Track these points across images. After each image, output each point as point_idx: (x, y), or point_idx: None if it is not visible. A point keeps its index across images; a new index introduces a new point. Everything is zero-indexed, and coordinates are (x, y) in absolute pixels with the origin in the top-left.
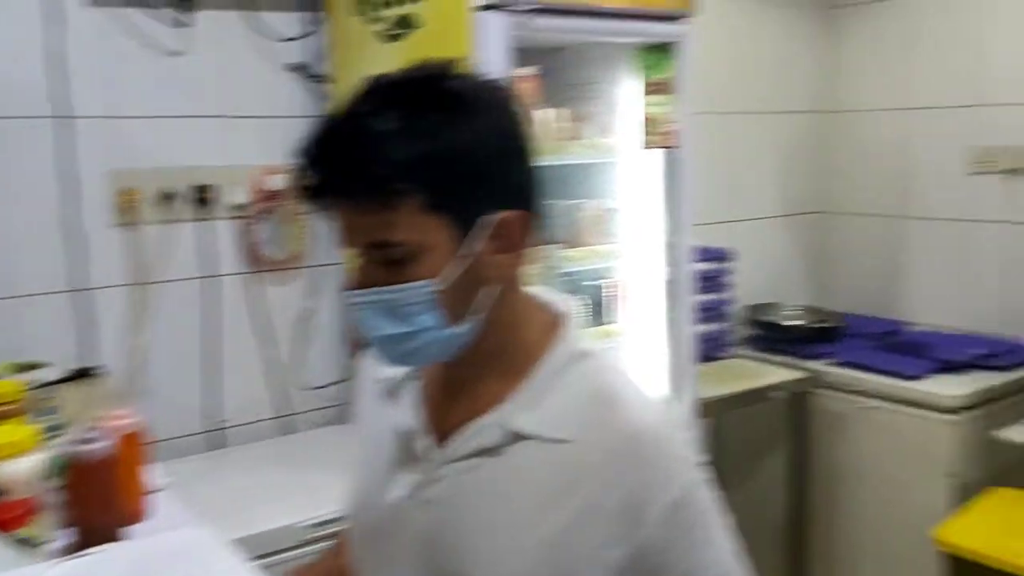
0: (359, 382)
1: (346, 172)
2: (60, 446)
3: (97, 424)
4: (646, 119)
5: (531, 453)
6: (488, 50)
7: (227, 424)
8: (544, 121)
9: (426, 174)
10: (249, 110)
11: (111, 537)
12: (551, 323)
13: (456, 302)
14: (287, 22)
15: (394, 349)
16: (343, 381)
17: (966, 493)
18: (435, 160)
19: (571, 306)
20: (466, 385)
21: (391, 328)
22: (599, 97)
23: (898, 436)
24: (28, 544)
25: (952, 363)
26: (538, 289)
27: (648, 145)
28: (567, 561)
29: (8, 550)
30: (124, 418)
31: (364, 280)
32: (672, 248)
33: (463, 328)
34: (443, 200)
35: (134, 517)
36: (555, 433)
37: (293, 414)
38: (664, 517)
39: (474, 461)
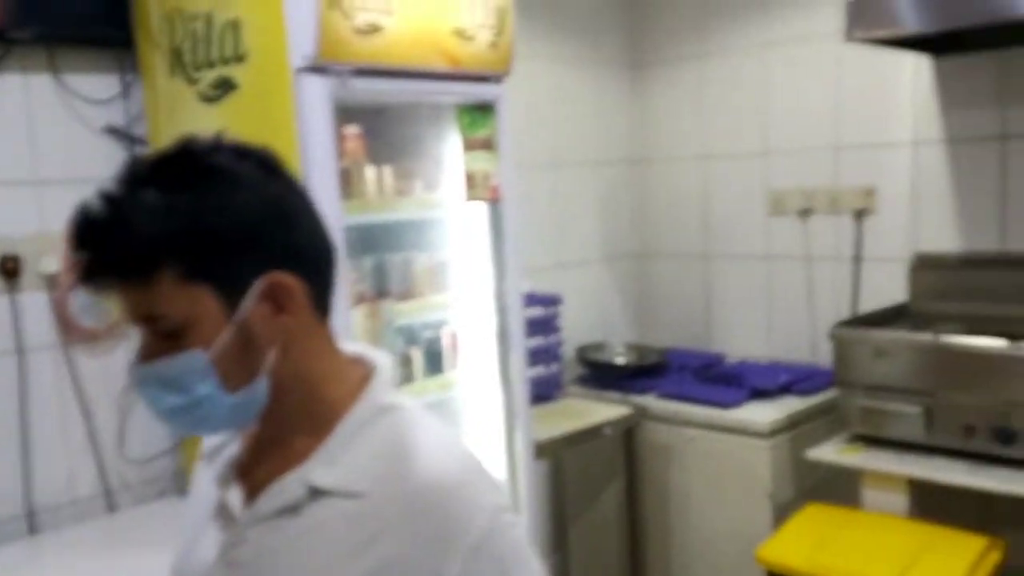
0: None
1: (104, 253)
2: None
3: None
4: (468, 175)
5: (330, 509)
6: (309, 111)
7: (47, 506)
8: (372, 179)
9: (180, 247)
10: (61, 174)
11: None
12: (359, 378)
13: (235, 368)
14: (101, 84)
15: (180, 420)
16: (169, 452)
17: (784, 511)
18: (188, 233)
19: (382, 360)
20: (273, 444)
21: (171, 400)
22: (425, 154)
23: (719, 461)
24: None
25: (764, 390)
26: (352, 344)
27: (470, 199)
28: None
29: None
30: None
31: (143, 354)
32: (501, 297)
33: (250, 393)
34: (201, 271)
35: None
36: (352, 487)
37: (118, 490)
38: (463, 567)
39: (277, 520)
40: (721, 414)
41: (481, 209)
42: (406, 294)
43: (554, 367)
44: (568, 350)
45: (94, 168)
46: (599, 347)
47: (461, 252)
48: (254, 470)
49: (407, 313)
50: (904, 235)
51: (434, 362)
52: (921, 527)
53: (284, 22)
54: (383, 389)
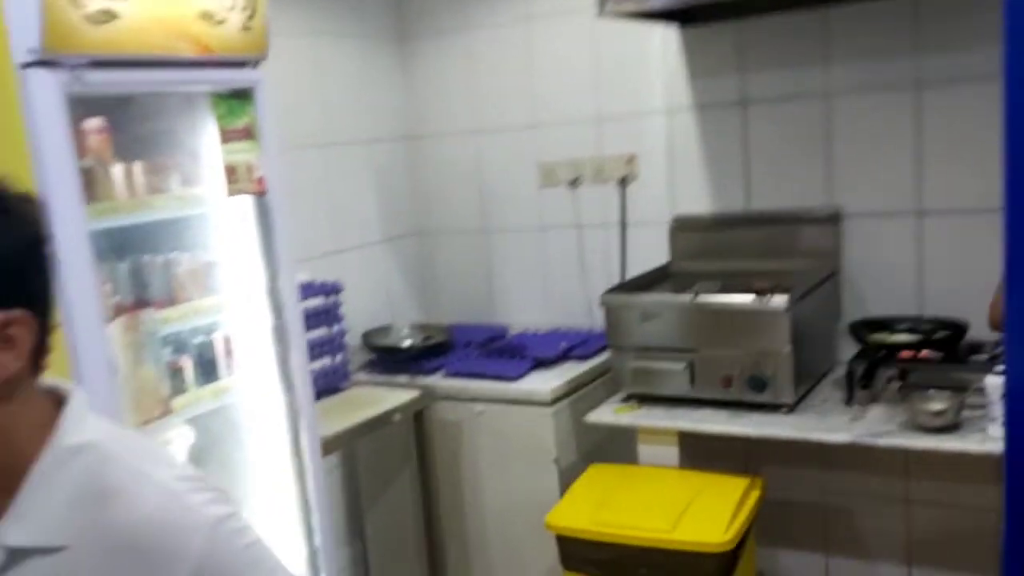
0: None
1: None
2: None
3: None
4: (227, 168)
5: (35, 568)
6: (38, 109)
7: None
8: (120, 177)
9: None
10: None
11: None
12: (49, 418)
13: None
14: None
15: None
16: None
17: (569, 475)
18: None
19: (75, 392)
20: None
21: None
22: (179, 147)
23: (507, 433)
24: None
25: (545, 359)
26: (43, 380)
27: (232, 193)
28: None
29: None
30: None
31: None
32: (275, 294)
33: None
34: None
35: None
36: (49, 543)
37: None
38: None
39: None
40: (506, 387)
41: (247, 203)
42: (170, 300)
43: (339, 357)
44: (353, 337)
45: None
46: (385, 331)
47: (228, 250)
48: None
49: (173, 320)
50: (664, 199)
51: (207, 370)
52: (692, 475)
53: (2, 13)
54: (74, 427)
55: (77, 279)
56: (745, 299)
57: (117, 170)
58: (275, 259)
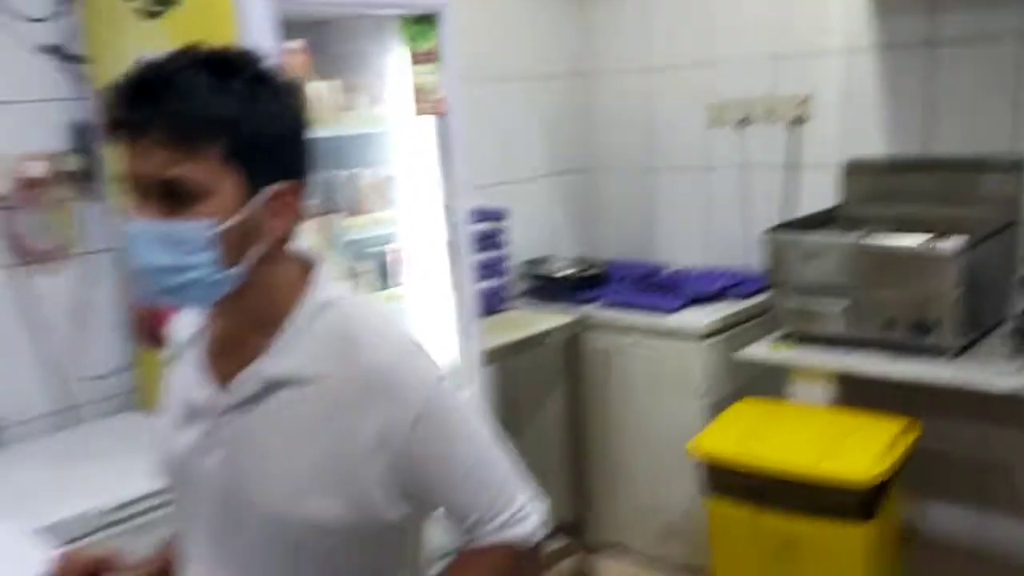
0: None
1: (163, 109)
2: None
3: None
4: (415, 88)
5: (289, 396)
6: (251, 25)
7: (11, 421)
8: (316, 94)
9: (232, 131)
10: (2, 95)
11: None
12: (303, 276)
13: (231, 249)
14: (36, 1)
15: (163, 281)
16: (126, 369)
17: (717, 410)
18: (243, 122)
19: (323, 259)
20: (234, 341)
21: (164, 259)
22: (369, 68)
23: (657, 365)
24: None
25: (701, 296)
26: (296, 246)
27: (419, 113)
28: (334, 481)
29: None
30: None
31: (145, 213)
32: (449, 211)
33: (227, 275)
34: (240, 158)
35: None
36: (304, 376)
37: (75, 407)
38: (407, 435)
39: (242, 410)
40: (659, 319)
41: (427, 123)
42: (353, 210)
43: (500, 281)
44: (514, 266)
45: (34, 89)
46: (544, 261)
47: (407, 167)
48: (218, 366)
49: (355, 228)
50: (836, 142)
51: (383, 276)
52: (844, 415)
53: None
54: (324, 286)
55: None
56: (915, 241)
57: (315, 87)
58: (451, 177)
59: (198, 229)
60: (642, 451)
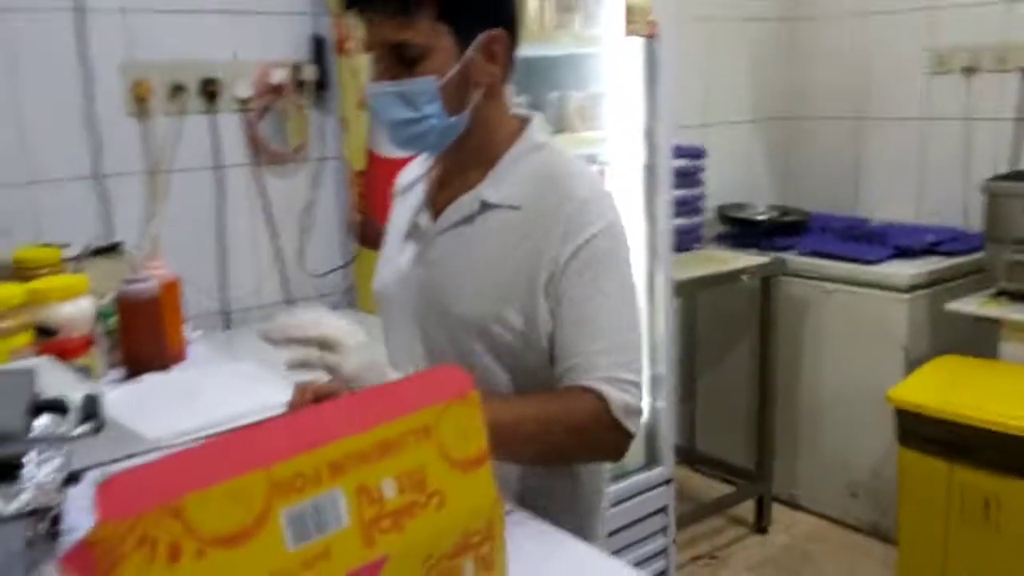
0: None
1: None
2: (111, 290)
3: (140, 271)
4: (627, 8)
5: (495, 218)
6: None
7: (239, 307)
8: (534, 9)
9: None
10: (251, 6)
11: (160, 368)
12: (519, 126)
13: (452, 98)
14: None
15: (404, 132)
16: (343, 268)
17: (918, 365)
18: None
19: (535, 115)
20: (455, 176)
21: (403, 114)
22: None
23: (856, 315)
24: (86, 372)
25: (907, 249)
26: (511, 101)
27: (629, 34)
28: (516, 293)
29: (69, 374)
30: (160, 268)
31: (384, 76)
32: (651, 135)
33: (456, 120)
34: (451, 13)
35: (177, 356)
36: (512, 202)
37: (296, 299)
38: (567, 261)
39: (457, 229)
40: (861, 269)
41: (636, 46)
42: (561, 128)
43: (695, 219)
44: (710, 209)
45: (275, 1)
46: (741, 206)
47: (614, 89)
48: (438, 198)
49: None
50: None
51: None
52: None
53: None
54: (536, 132)
55: None
56: None
57: (532, 3)
58: (656, 102)
59: (425, 84)
60: (833, 404)
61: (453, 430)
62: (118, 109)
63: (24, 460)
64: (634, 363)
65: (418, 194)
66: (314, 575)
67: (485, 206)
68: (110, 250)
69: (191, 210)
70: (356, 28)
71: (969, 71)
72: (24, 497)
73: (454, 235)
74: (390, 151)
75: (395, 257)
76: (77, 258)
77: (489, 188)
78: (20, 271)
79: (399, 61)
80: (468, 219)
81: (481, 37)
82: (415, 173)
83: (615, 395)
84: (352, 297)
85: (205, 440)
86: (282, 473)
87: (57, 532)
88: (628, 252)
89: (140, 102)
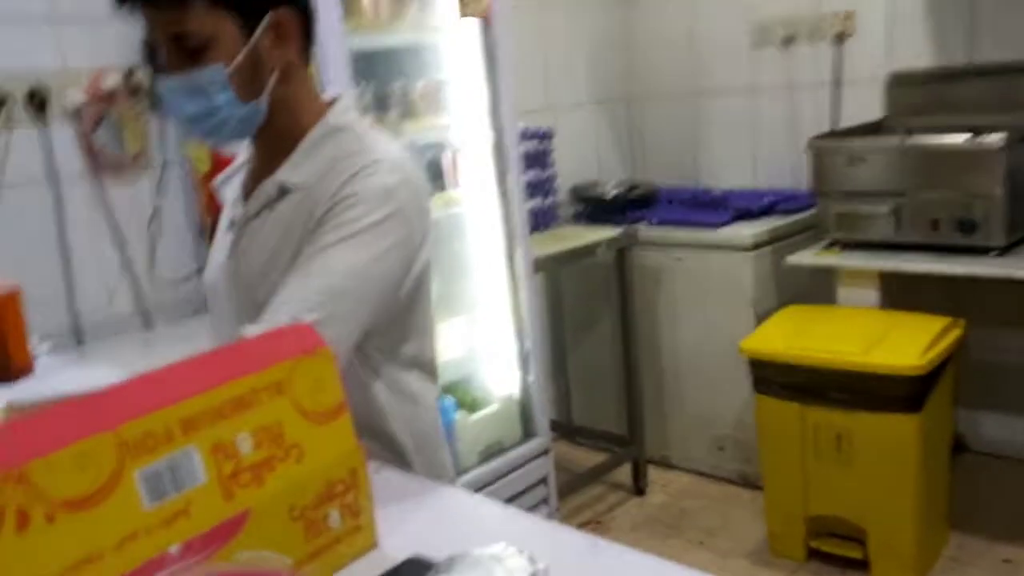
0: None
1: None
2: None
3: None
4: None
5: (292, 199)
6: None
7: (90, 322)
8: (366, 2)
9: None
10: (76, 11)
11: (3, 380)
12: (324, 108)
13: (246, 84)
14: None
15: (201, 125)
16: (199, 271)
17: (765, 318)
18: None
19: (342, 96)
20: (265, 163)
21: (194, 107)
22: None
23: (706, 277)
24: None
25: (747, 212)
26: (318, 82)
27: (464, 15)
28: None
29: None
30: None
31: (171, 68)
32: (496, 115)
33: (255, 107)
34: (224, 1)
35: (23, 368)
36: (306, 182)
37: (153, 309)
38: (323, 212)
39: (261, 216)
40: (707, 234)
41: (474, 31)
42: (404, 116)
43: (548, 200)
44: (563, 190)
45: (106, 5)
46: (591, 185)
47: (456, 75)
48: (252, 186)
49: (408, 132)
50: (880, 56)
51: (437, 180)
52: (891, 313)
53: None
54: (341, 113)
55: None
56: (958, 139)
57: None
58: (497, 82)
59: (212, 73)
60: (693, 364)
61: (306, 384)
62: None
63: None
64: (314, 311)
65: (236, 185)
66: (175, 532)
67: (283, 190)
68: None
69: (27, 226)
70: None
71: (788, 41)
72: None
73: (259, 222)
74: (232, 150)
75: (217, 249)
76: None
77: (288, 171)
78: None
79: (182, 53)
80: (269, 205)
81: (267, 18)
82: (237, 162)
83: (252, 330)
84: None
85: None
86: (131, 433)
87: None
88: (395, 223)
89: None
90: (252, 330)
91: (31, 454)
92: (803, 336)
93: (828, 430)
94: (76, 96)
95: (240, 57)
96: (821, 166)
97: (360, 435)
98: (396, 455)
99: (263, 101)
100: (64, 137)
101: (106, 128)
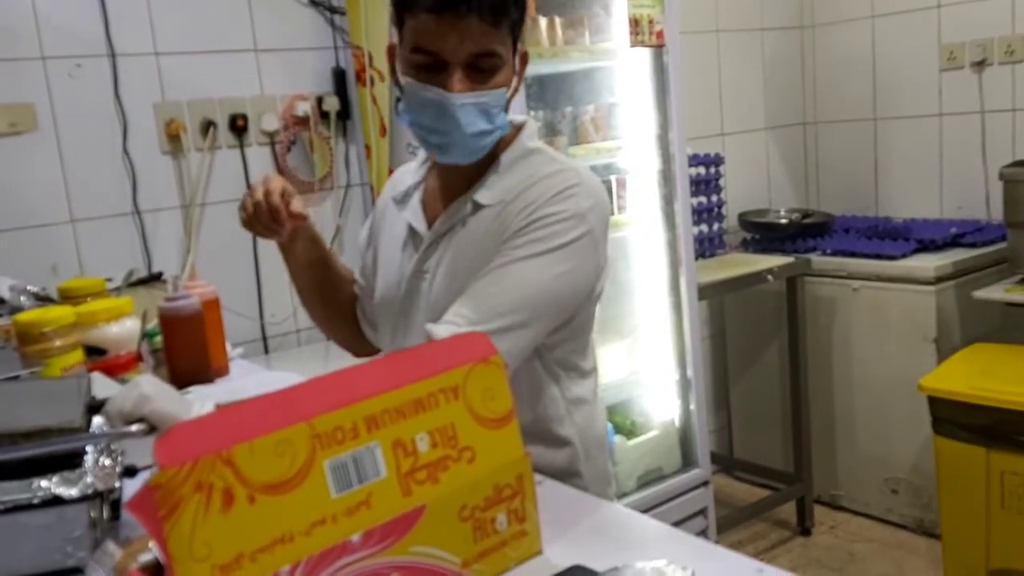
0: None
1: None
2: (155, 307)
3: (182, 289)
4: (633, 20)
5: (484, 216)
6: None
7: (276, 332)
8: (543, 28)
9: (516, 7)
10: (275, 43)
11: (205, 381)
12: (513, 133)
13: (505, 108)
14: None
15: (477, 143)
16: None
17: (947, 355)
18: None
19: (528, 121)
20: (453, 182)
21: (482, 125)
22: (592, 2)
23: (884, 310)
24: None
25: (931, 243)
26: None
27: (635, 45)
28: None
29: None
30: (201, 287)
31: (464, 87)
32: (665, 141)
33: (503, 129)
34: (516, 28)
35: (221, 370)
36: (502, 199)
37: None
38: (516, 229)
39: (451, 234)
40: (886, 265)
41: (645, 57)
42: (575, 140)
43: (716, 226)
44: (731, 216)
45: (302, 38)
46: (762, 212)
47: (626, 99)
48: (435, 205)
49: (577, 156)
50: None
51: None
52: None
53: None
54: (529, 138)
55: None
56: None
57: (541, 22)
58: (667, 108)
59: (500, 96)
60: (866, 400)
61: (479, 390)
62: (152, 147)
63: (85, 451)
64: (496, 320)
65: (415, 202)
66: (357, 522)
67: (477, 207)
68: (150, 280)
69: (225, 241)
70: (403, 37)
71: (979, 65)
72: (88, 480)
73: (448, 240)
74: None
75: (394, 266)
76: (119, 289)
77: (483, 191)
78: (67, 302)
79: (474, 72)
80: (461, 222)
81: (520, 52)
82: (409, 182)
83: (439, 331)
84: None
85: (251, 399)
86: (323, 426)
87: (117, 515)
88: (584, 245)
89: (173, 140)
90: (436, 331)
91: (237, 438)
92: (990, 376)
93: (1015, 477)
94: (272, 121)
95: (515, 82)
96: (1014, 196)
97: (530, 443)
98: (568, 462)
99: (506, 124)
100: (259, 158)
101: (297, 151)
